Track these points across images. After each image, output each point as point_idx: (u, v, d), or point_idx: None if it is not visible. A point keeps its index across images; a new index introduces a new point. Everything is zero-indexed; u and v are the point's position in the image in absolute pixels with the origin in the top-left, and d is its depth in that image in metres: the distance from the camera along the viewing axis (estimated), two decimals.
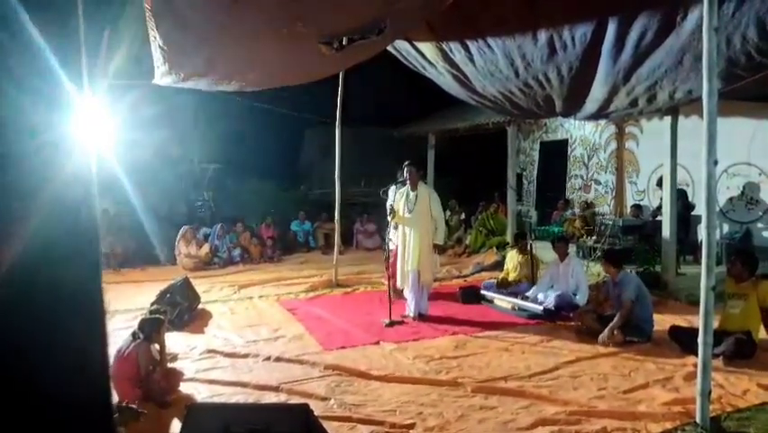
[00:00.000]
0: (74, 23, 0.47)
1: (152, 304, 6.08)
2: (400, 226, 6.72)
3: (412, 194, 6.55)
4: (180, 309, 6.15)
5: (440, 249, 6.84)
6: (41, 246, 0.45)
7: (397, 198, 6.67)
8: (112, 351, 3.82)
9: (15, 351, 0.46)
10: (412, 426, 3.72)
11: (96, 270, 0.51)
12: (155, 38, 4.25)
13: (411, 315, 6.44)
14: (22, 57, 0.46)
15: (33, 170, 0.45)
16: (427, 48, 6.06)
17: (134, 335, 4.32)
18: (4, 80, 0.45)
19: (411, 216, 6.52)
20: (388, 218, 6.59)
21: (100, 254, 0.51)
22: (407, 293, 6.58)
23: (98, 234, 0.51)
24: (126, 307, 6.60)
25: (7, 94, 0.44)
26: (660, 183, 8.47)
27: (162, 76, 5.19)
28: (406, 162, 6.71)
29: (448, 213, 11.58)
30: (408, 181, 6.58)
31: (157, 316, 4.58)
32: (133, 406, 3.74)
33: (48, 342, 0.48)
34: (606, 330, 5.40)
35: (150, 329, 4.34)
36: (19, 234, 0.44)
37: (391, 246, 6.85)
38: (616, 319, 5.44)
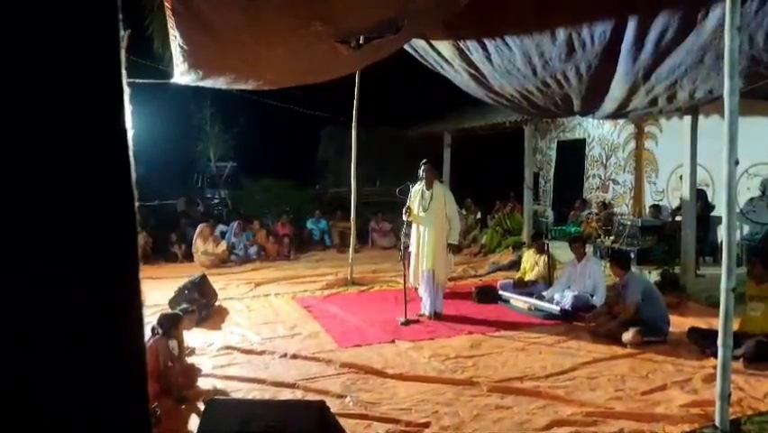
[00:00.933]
0: (113, 20, 0.49)
1: (171, 300, 6.16)
2: (415, 225, 6.71)
3: (427, 193, 6.54)
4: (198, 306, 6.20)
5: (454, 249, 6.82)
6: (82, 242, 0.47)
7: (412, 196, 6.66)
8: None
9: (49, 347, 0.48)
10: (427, 424, 3.72)
11: (135, 262, 0.53)
12: (175, 37, 4.30)
13: (426, 314, 6.44)
14: (64, 53, 0.47)
15: (76, 168, 0.47)
16: (444, 46, 6.05)
17: (153, 330, 4.37)
18: (46, 78, 0.46)
19: (426, 214, 6.51)
20: (404, 217, 6.58)
21: (138, 249, 0.53)
22: (422, 292, 6.58)
23: (137, 228, 0.53)
24: (145, 303, 6.66)
25: (49, 92, 0.46)
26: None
27: (182, 74, 5.24)
28: (424, 161, 6.70)
29: (464, 212, 11.56)
30: (424, 180, 6.57)
31: (176, 312, 4.64)
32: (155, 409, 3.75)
33: (84, 338, 0.49)
34: (607, 325, 5.50)
35: (169, 325, 4.39)
36: (62, 229, 0.46)
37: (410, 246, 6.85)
38: (618, 320, 5.49)
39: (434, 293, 6.47)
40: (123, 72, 0.50)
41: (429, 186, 6.55)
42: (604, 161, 12.05)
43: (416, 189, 6.65)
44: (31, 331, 0.47)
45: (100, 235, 0.49)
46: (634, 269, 6.26)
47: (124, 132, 0.50)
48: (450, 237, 6.54)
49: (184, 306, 5.25)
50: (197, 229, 10.29)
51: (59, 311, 0.48)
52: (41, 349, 0.47)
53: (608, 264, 8.10)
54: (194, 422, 3.72)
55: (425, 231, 6.53)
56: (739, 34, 3.43)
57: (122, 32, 0.50)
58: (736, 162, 3.49)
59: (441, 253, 6.49)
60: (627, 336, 5.34)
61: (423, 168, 6.62)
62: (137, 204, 0.50)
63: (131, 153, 0.51)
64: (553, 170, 13.59)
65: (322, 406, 3.04)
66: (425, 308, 6.49)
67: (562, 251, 8.32)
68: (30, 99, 0.46)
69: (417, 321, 6.27)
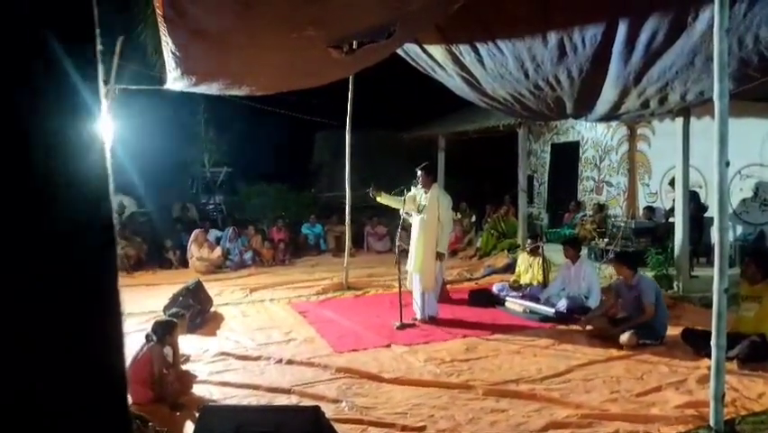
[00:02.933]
0: (90, 29, 0.49)
1: (165, 307, 6.14)
2: (411, 229, 6.71)
3: (424, 196, 6.54)
4: (193, 312, 6.18)
5: (440, 256, 6.51)
6: (58, 250, 0.47)
7: (407, 200, 6.65)
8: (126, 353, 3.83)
9: (29, 354, 0.48)
10: (423, 428, 3.72)
11: (114, 273, 0.53)
12: (167, 43, 4.30)
13: (419, 318, 6.43)
14: (39, 62, 0.47)
15: (50, 176, 0.47)
16: (437, 50, 6.07)
17: (148, 337, 4.35)
18: (21, 86, 0.47)
19: (419, 218, 6.51)
20: (403, 213, 6.60)
21: (117, 258, 0.53)
22: (415, 295, 6.57)
23: (115, 237, 0.53)
24: (139, 309, 6.65)
25: (24, 100, 0.46)
26: (672, 184, 8.41)
27: (174, 80, 5.24)
28: (422, 165, 6.68)
29: (458, 215, 11.57)
30: (420, 184, 6.57)
31: (170, 319, 4.62)
32: (149, 422, 3.71)
33: (62, 347, 0.49)
34: (619, 327, 5.43)
35: (164, 332, 4.38)
36: (36, 237, 0.46)
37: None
38: (634, 321, 5.44)
39: (422, 297, 6.45)
40: (101, 81, 0.50)
41: (426, 189, 6.55)
42: (597, 164, 12.11)
43: (413, 193, 6.65)
44: (5, 341, 0.47)
45: (75, 244, 0.49)
46: None
47: (101, 141, 0.50)
48: (438, 245, 6.43)
49: (173, 310, 5.24)
50: (192, 235, 10.27)
51: (32, 321, 0.48)
52: (14, 359, 0.47)
53: (602, 266, 8.17)
54: (189, 429, 3.71)
55: (417, 234, 6.53)
56: (728, 37, 3.46)
57: (98, 42, 0.50)
58: (727, 164, 3.51)
59: (428, 259, 6.43)
60: (624, 337, 5.35)
61: (419, 172, 6.62)
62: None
63: (107, 160, 0.51)
64: (547, 172, 13.63)
65: (317, 411, 3.03)
66: (417, 311, 6.49)
67: (556, 253, 8.34)
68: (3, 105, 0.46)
69: (413, 325, 6.27)
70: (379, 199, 6.74)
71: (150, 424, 3.59)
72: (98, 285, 0.50)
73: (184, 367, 4.71)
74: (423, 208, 6.49)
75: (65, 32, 0.47)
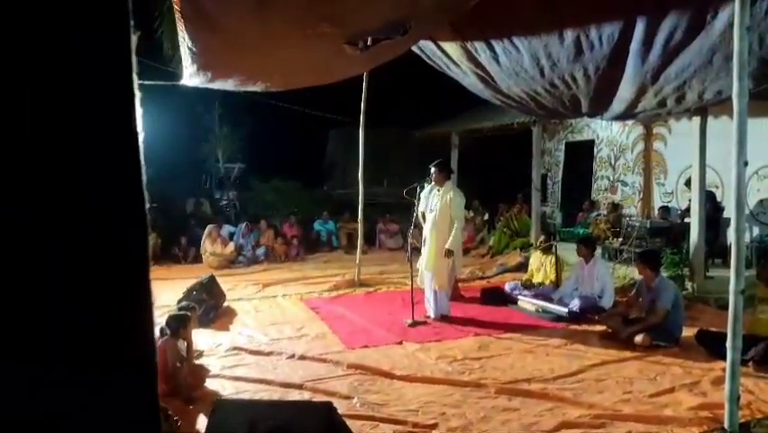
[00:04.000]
0: (125, 23, 0.50)
1: (179, 301, 6.19)
2: (424, 226, 6.71)
3: (437, 194, 6.53)
4: (206, 307, 6.24)
5: (447, 253, 6.38)
6: (96, 242, 0.48)
7: (421, 197, 6.65)
8: None
9: (64, 348, 0.49)
10: (434, 426, 3.72)
11: (146, 264, 0.53)
12: (184, 39, 4.33)
13: (432, 315, 6.43)
14: (77, 57, 0.48)
15: (90, 169, 0.47)
16: (452, 48, 6.05)
17: (162, 331, 4.39)
18: (59, 82, 0.47)
19: (431, 215, 6.50)
20: (416, 213, 6.62)
21: (149, 250, 0.54)
22: (427, 293, 6.57)
23: (148, 229, 0.54)
24: (155, 303, 6.71)
25: (62, 95, 0.47)
26: (688, 184, 8.33)
27: (191, 76, 5.28)
28: (435, 162, 6.67)
29: (471, 213, 11.54)
30: (434, 181, 6.56)
31: (184, 312, 4.66)
32: (169, 412, 3.73)
33: (97, 339, 0.50)
34: (630, 328, 5.40)
35: (177, 325, 4.42)
36: (76, 230, 0.47)
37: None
38: (644, 324, 5.38)
39: (434, 295, 6.44)
40: (135, 75, 0.51)
41: (439, 186, 6.53)
42: (612, 163, 12.01)
43: (427, 190, 6.65)
44: (41, 332, 0.48)
45: (112, 237, 0.50)
46: None
47: (136, 134, 0.51)
48: (448, 242, 6.36)
49: (183, 303, 5.27)
50: (206, 230, 10.34)
51: (71, 313, 0.49)
52: (51, 351, 0.48)
53: (616, 266, 8.11)
54: (202, 422, 3.74)
55: (430, 232, 6.52)
56: (749, 35, 3.42)
57: (133, 36, 0.51)
58: (745, 164, 3.47)
59: (441, 257, 6.40)
60: (638, 338, 5.31)
61: (432, 169, 6.60)
62: (147, 205, 0.51)
63: (141, 156, 0.52)
64: (561, 171, 13.54)
65: (329, 407, 3.04)
66: (429, 309, 6.48)
67: (569, 252, 8.29)
68: (41, 102, 0.47)
69: (425, 323, 6.27)
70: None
71: (170, 414, 3.62)
72: (131, 274, 0.51)
73: (197, 361, 4.75)
74: (435, 206, 6.47)
75: (98, 25, 0.48)
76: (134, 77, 0.51)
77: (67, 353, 0.49)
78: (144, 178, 0.52)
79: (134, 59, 0.51)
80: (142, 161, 0.52)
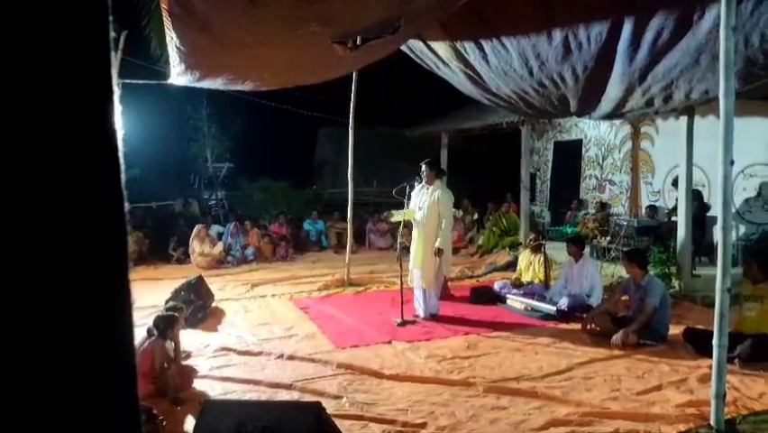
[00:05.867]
0: (103, 20, 0.49)
1: (167, 302, 6.15)
2: (414, 225, 6.71)
3: (426, 191, 6.53)
4: (194, 307, 6.20)
5: (437, 252, 6.39)
6: (72, 243, 0.47)
7: (412, 196, 6.65)
8: None
9: (37, 350, 0.48)
10: (423, 425, 3.72)
11: (125, 265, 0.53)
12: (171, 38, 4.30)
13: (421, 315, 6.44)
14: (53, 54, 0.47)
15: (66, 169, 0.46)
16: (441, 47, 6.05)
17: (149, 331, 4.37)
18: (35, 78, 0.46)
19: (420, 214, 6.51)
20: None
21: (128, 251, 0.53)
22: (416, 292, 6.58)
23: (126, 230, 0.53)
24: (141, 304, 6.66)
25: (37, 93, 0.46)
26: (675, 183, 8.40)
27: (178, 75, 5.24)
28: (425, 160, 6.68)
29: (460, 213, 11.57)
30: (424, 180, 6.56)
31: (171, 313, 4.63)
32: (154, 412, 3.70)
33: (75, 340, 0.49)
34: (620, 332, 5.36)
35: (165, 326, 4.39)
36: (51, 231, 0.46)
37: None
38: (634, 324, 5.40)
39: (423, 294, 6.45)
40: (114, 72, 0.50)
41: (429, 185, 6.54)
42: (600, 162, 12.08)
43: (417, 189, 6.65)
44: (14, 332, 0.47)
45: (88, 237, 0.49)
46: None
47: (113, 132, 0.50)
48: (437, 240, 6.37)
49: (171, 304, 5.24)
50: (194, 230, 10.28)
51: (45, 314, 0.48)
52: (25, 352, 0.47)
53: (604, 264, 8.16)
54: (190, 423, 3.71)
55: (418, 230, 6.53)
56: (735, 35, 3.45)
57: (112, 34, 0.50)
58: (732, 163, 3.50)
59: (429, 256, 6.41)
60: (624, 337, 5.34)
61: (423, 167, 6.61)
62: (128, 205, 0.50)
63: (120, 154, 0.51)
64: (549, 170, 13.61)
65: (318, 407, 3.04)
66: (418, 308, 6.49)
67: (558, 251, 8.34)
68: (9, 98, 0.46)
69: (414, 322, 6.27)
70: (392, 219, 6.74)
71: (154, 413, 3.59)
72: (109, 274, 0.50)
73: (185, 362, 4.72)
74: (424, 205, 6.48)
75: (75, 20, 0.47)
76: (114, 73, 0.50)
77: (41, 354, 0.48)
78: (123, 177, 0.51)
79: (113, 55, 0.50)
80: (121, 160, 0.51)
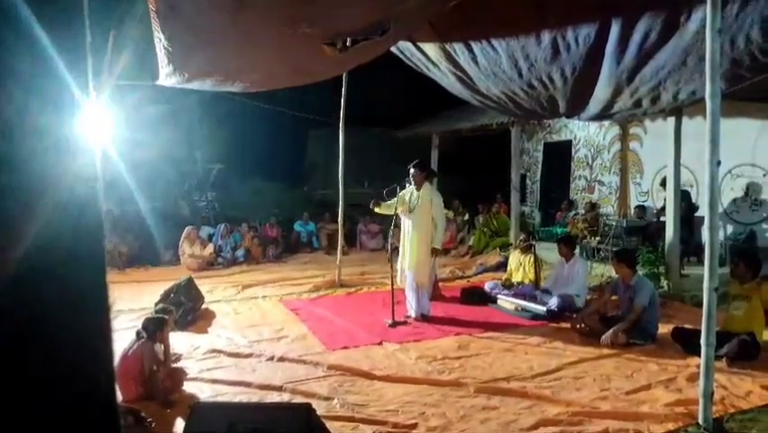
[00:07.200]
0: (79, 23, 0.48)
1: (157, 304, 6.11)
2: (402, 226, 6.72)
3: (416, 194, 6.55)
4: (184, 309, 6.17)
5: (435, 252, 6.62)
6: (46, 247, 0.46)
7: (402, 195, 6.66)
8: (116, 350, 3.79)
9: (19, 352, 0.47)
10: (414, 426, 3.72)
11: (102, 269, 0.52)
12: (160, 39, 4.28)
13: (412, 315, 6.44)
14: (27, 56, 0.47)
15: (38, 172, 0.46)
16: (431, 48, 6.06)
17: (138, 334, 4.34)
18: (8, 80, 0.46)
19: (412, 215, 6.52)
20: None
21: (105, 254, 0.52)
22: (407, 293, 6.58)
23: (103, 234, 0.52)
24: (130, 306, 6.63)
25: (11, 94, 0.45)
26: (664, 184, 8.46)
27: (167, 76, 5.21)
28: (414, 162, 6.69)
29: (451, 214, 11.59)
30: (413, 181, 6.58)
31: (161, 315, 4.60)
32: (142, 414, 3.68)
33: (52, 343, 0.49)
34: (610, 332, 5.38)
35: (155, 329, 4.36)
36: (24, 235, 0.45)
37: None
38: (623, 323, 5.42)
39: (416, 295, 6.47)
40: (89, 73, 0.50)
41: (418, 187, 6.56)
42: (590, 163, 12.15)
43: (406, 191, 6.66)
44: None
45: (63, 239, 0.49)
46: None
47: (89, 133, 0.50)
48: (433, 241, 6.49)
49: (160, 306, 5.21)
50: (184, 232, 10.23)
51: (22, 318, 0.48)
52: (4, 356, 0.47)
53: (593, 264, 8.20)
54: (179, 426, 3.69)
55: (410, 232, 6.54)
56: (720, 37, 3.48)
57: (88, 37, 0.49)
58: (719, 163, 3.53)
59: (423, 256, 6.45)
60: (613, 336, 5.37)
61: (411, 170, 6.62)
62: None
63: (97, 155, 0.51)
64: (539, 171, 13.67)
65: (308, 408, 3.03)
66: (410, 309, 6.50)
67: (548, 252, 8.37)
68: None
69: (405, 323, 6.28)
70: (377, 210, 6.76)
71: (143, 416, 3.58)
72: (87, 283, 0.50)
73: (175, 365, 4.69)
74: (414, 208, 6.50)
75: (53, 23, 0.47)
76: (89, 74, 0.50)
77: (19, 357, 0.47)
78: (101, 179, 0.51)
79: (89, 56, 0.49)
80: (98, 161, 0.51)
